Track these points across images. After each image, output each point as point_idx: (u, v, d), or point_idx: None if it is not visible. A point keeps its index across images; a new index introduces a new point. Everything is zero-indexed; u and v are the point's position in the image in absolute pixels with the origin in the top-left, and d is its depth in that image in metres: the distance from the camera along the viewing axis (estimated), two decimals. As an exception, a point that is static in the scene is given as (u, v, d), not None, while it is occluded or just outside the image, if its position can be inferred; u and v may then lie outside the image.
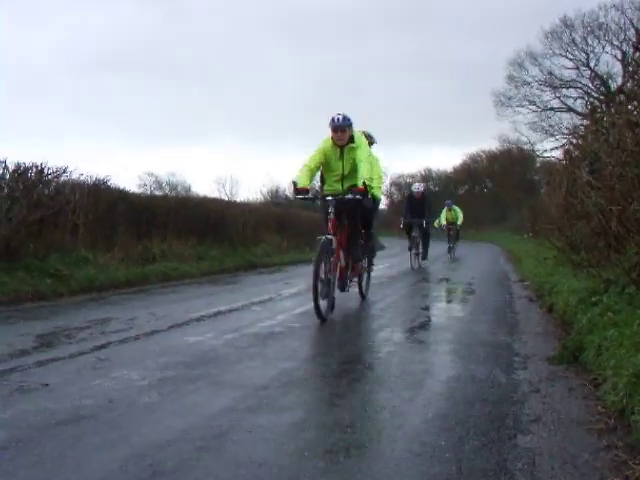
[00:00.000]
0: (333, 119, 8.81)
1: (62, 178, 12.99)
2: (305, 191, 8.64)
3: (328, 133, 8.97)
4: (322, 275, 8.09)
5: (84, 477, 3.21)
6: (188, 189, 59.87)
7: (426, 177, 65.21)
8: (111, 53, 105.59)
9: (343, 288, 9.20)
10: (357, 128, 9.13)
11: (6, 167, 11.52)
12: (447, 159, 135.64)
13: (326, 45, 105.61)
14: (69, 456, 3.47)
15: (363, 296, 10.36)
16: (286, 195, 67.25)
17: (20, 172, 11.69)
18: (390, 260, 23.26)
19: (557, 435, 3.90)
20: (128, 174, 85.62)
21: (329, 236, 8.33)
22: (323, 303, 8.09)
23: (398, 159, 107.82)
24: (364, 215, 9.35)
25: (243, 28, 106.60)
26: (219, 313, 8.89)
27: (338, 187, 9.08)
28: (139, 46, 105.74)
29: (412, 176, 65.55)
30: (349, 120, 8.88)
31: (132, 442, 3.69)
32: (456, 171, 63.21)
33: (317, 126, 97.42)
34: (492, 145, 61.24)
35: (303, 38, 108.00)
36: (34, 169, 12.00)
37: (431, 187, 63.74)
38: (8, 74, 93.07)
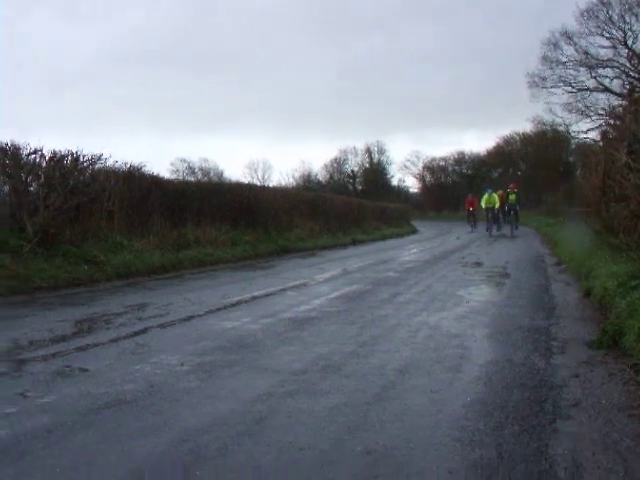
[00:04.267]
0: None
1: (97, 165, 13.17)
2: None
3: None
4: None
5: (128, 461, 3.26)
6: (221, 175, 60.02)
7: (459, 161, 64.69)
8: (145, 47, 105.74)
9: None
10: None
11: (42, 155, 11.68)
12: (480, 142, 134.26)
13: (357, 35, 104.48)
14: (112, 441, 3.53)
15: None
16: (318, 180, 67.36)
17: (56, 160, 11.84)
18: (423, 244, 23.22)
19: (598, 420, 3.86)
20: (160, 161, 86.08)
21: None
22: None
23: (431, 143, 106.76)
24: None
25: (274, 18, 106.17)
26: (255, 298, 8.94)
27: None
28: (172, 40, 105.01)
29: (445, 159, 65.12)
30: None
31: (173, 427, 3.74)
32: (489, 154, 62.47)
33: (347, 113, 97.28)
34: (526, 127, 60.11)
35: (334, 28, 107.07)
36: (69, 157, 12.16)
37: (464, 170, 63.29)
38: (47, 67, 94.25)
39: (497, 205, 30.09)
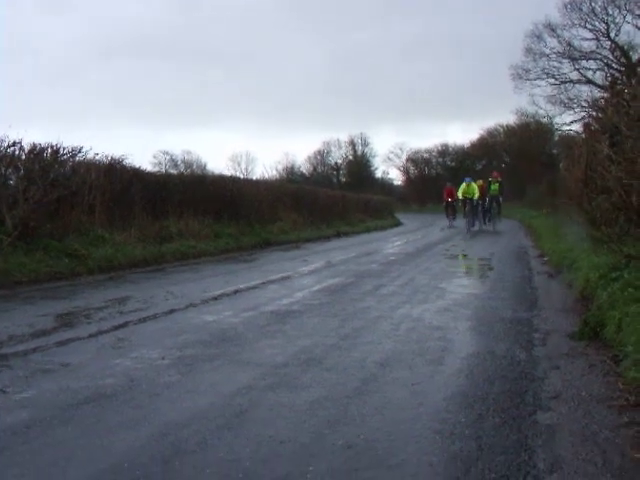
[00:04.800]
0: None
1: (77, 158, 13.05)
2: None
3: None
4: None
5: (108, 456, 3.24)
6: (204, 167, 59.90)
7: (443, 152, 64.79)
8: (129, 40, 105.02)
9: None
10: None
11: (22, 148, 11.57)
12: (464, 134, 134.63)
13: (341, 26, 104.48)
14: (92, 435, 3.51)
15: None
16: (302, 172, 67.25)
17: (36, 152, 11.73)
18: (407, 237, 23.26)
19: (577, 412, 3.88)
20: (143, 153, 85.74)
21: None
22: None
23: (414, 135, 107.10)
24: None
25: (257, 10, 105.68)
26: (237, 291, 8.92)
27: None
28: (157, 34, 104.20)
29: (429, 151, 65.21)
30: None
31: (153, 421, 3.72)
32: (473, 146, 62.62)
33: (332, 106, 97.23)
34: (510, 119, 60.35)
35: (319, 22, 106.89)
36: (49, 149, 12.05)
37: (448, 162, 63.39)
38: (33, 60, 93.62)
39: (476, 196, 26.04)
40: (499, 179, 27.38)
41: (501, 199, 27.03)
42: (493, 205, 26.59)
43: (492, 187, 26.79)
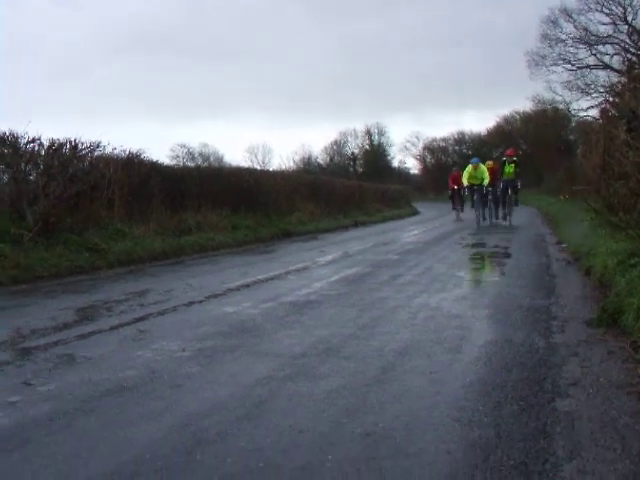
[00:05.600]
0: None
1: (96, 153, 13.15)
2: None
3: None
4: None
5: (130, 447, 3.29)
6: (221, 159, 60.01)
7: (459, 141, 64.50)
8: (143, 34, 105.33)
9: None
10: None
11: (41, 144, 11.67)
12: (480, 122, 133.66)
13: (355, 18, 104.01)
14: (115, 426, 3.56)
15: None
16: (318, 162, 67.20)
17: (55, 148, 11.83)
18: (425, 225, 23.20)
19: (596, 398, 3.88)
20: (160, 147, 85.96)
21: None
22: None
23: (431, 124, 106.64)
24: None
25: (267, 3, 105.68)
26: (255, 282, 8.96)
27: None
28: (170, 27, 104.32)
29: (445, 140, 64.95)
30: None
31: (175, 412, 3.77)
32: (490, 134, 62.26)
33: (346, 96, 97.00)
34: (526, 106, 59.97)
35: (332, 11, 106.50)
36: (68, 145, 12.14)
37: (465, 151, 63.08)
38: (45, 56, 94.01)
39: (485, 182, 20.56)
40: (515, 158, 21.24)
41: (519, 184, 20.95)
42: (508, 192, 20.69)
43: (507, 169, 20.84)
